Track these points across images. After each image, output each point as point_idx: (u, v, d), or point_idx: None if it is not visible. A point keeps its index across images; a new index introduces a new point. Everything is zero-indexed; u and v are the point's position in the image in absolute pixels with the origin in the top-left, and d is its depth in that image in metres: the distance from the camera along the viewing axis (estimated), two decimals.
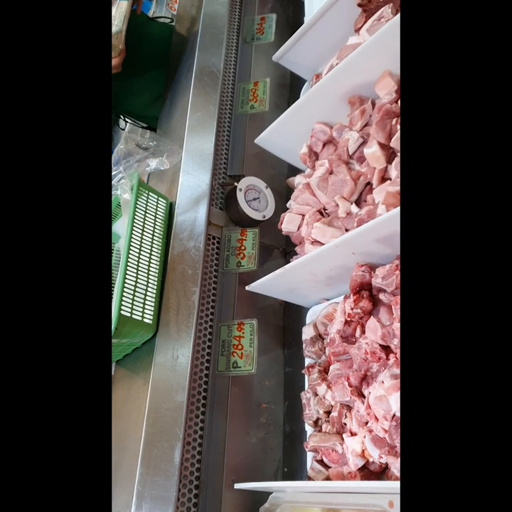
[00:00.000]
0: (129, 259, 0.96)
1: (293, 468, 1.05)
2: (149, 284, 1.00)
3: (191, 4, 1.61)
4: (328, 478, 0.88)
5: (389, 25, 0.92)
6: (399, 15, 0.91)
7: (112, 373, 1.09)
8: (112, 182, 1.03)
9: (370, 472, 0.83)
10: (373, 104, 1.03)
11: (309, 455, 0.94)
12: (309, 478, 0.91)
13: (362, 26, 1.12)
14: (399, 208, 0.76)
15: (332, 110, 1.10)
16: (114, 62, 1.31)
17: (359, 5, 1.12)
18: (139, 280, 0.97)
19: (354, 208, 0.98)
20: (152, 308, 0.98)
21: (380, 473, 0.82)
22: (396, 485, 0.64)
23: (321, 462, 0.90)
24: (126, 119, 1.74)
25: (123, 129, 1.76)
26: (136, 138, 1.11)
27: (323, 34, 1.25)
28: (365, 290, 0.91)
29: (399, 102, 0.97)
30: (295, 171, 1.30)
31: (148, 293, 0.99)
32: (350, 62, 1.00)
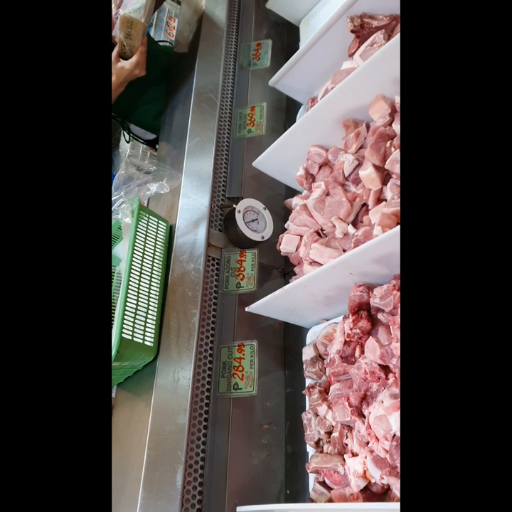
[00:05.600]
0: (130, 283, 0.97)
1: (295, 490, 1.05)
2: (150, 307, 1.01)
3: (189, 30, 1.65)
4: (330, 500, 0.88)
5: (382, 51, 0.95)
6: (391, 41, 0.93)
7: (114, 396, 1.09)
8: (113, 207, 1.05)
9: (372, 493, 0.82)
10: (368, 127, 1.05)
11: (311, 476, 0.94)
12: (312, 500, 0.91)
13: (355, 51, 1.15)
14: (395, 228, 0.78)
15: (327, 133, 1.13)
16: (136, 59, 1.21)
17: (352, 31, 1.15)
18: (139, 303, 0.98)
19: (351, 229, 1.00)
20: (153, 331, 0.99)
21: (383, 494, 0.82)
22: (398, 506, 0.64)
23: (323, 484, 0.90)
24: (131, 134, 1.76)
25: (128, 141, 1.79)
26: (137, 162, 1.13)
27: (317, 59, 1.28)
28: (363, 310, 0.92)
29: (392, 124, 0.99)
30: (292, 192, 1.32)
31: (149, 316, 1.00)
32: (345, 86, 1.03)
